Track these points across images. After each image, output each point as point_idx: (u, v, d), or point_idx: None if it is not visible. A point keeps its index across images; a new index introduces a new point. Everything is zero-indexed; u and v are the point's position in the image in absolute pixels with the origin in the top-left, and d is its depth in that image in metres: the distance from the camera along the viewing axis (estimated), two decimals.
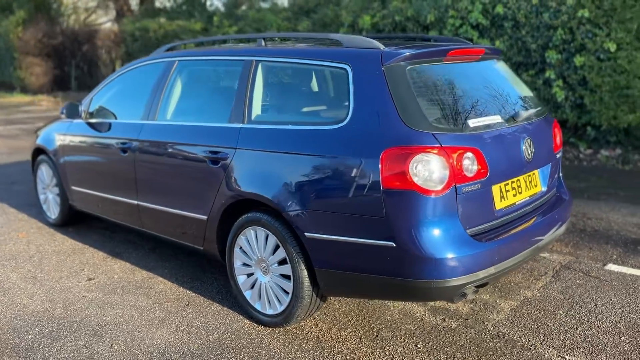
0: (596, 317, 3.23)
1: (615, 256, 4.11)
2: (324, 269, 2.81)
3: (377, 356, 2.87)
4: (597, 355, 2.84)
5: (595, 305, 3.37)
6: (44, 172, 5.04)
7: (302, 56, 3.07)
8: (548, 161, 3.21)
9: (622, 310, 3.29)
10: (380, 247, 2.58)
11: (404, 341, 3.01)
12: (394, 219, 2.52)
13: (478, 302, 3.43)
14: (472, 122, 2.73)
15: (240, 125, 3.18)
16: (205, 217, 3.38)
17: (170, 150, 3.59)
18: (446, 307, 3.40)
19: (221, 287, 3.73)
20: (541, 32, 7.74)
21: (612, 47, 7.11)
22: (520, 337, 3.02)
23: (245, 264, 3.25)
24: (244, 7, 15.50)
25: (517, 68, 8.03)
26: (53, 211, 5.03)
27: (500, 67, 3.34)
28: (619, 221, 4.88)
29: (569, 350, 2.89)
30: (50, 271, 4.06)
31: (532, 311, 3.32)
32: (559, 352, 2.87)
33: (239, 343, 3.02)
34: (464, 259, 2.53)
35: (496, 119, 2.87)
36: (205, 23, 13.37)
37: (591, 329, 3.09)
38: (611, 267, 3.92)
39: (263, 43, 3.37)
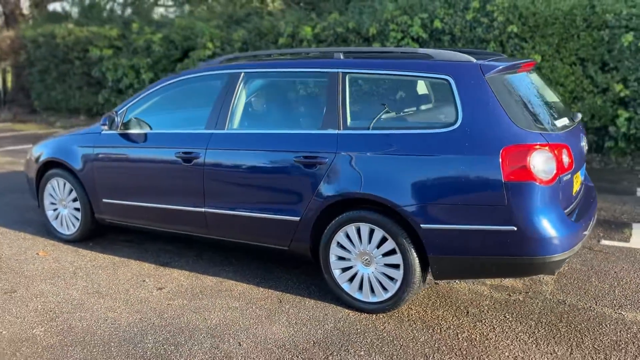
0: (622, 280, 3.97)
1: (601, 234, 4.95)
2: (439, 255, 3.22)
3: (480, 327, 3.34)
4: None
5: (615, 272, 4.12)
6: (56, 187, 4.85)
7: (396, 69, 3.44)
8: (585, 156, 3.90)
9: (637, 275, 4.07)
10: (501, 232, 3.05)
11: (493, 314, 3.51)
12: (515, 207, 3.01)
13: (525, 278, 4.02)
14: (558, 123, 3.31)
15: (337, 131, 3.48)
16: (297, 219, 3.62)
17: (250, 157, 3.77)
18: (501, 284, 3.95)
19: (299, 283, 3.96)
20: (475, 45, 8.71)
21: (537, 58, 8.24)
22: (577, 302, 3.66)
23: (340, 258, 3.55)
24: (153, 13, 15.16)
25: None
26: (69, 227, 4.86)
27: (538, 77, 3.97)
28: None
29: (620, 308, 3.57)
30: (110, 285, 4.01)
31: (571, 281, 3.98)
32: (614, 310, 3.54)
33: (357, 328, 3.32)
34: (568, 237, 3.09)
35: (566, 120, 3.48)
36: (122, 29, 12.94)
37: (625, 290, 3.82)
38: (605, 242, 4.74)
39: (342, 56, 3.69)
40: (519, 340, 3.19)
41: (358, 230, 3.45)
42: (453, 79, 3.23)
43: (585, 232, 3.43)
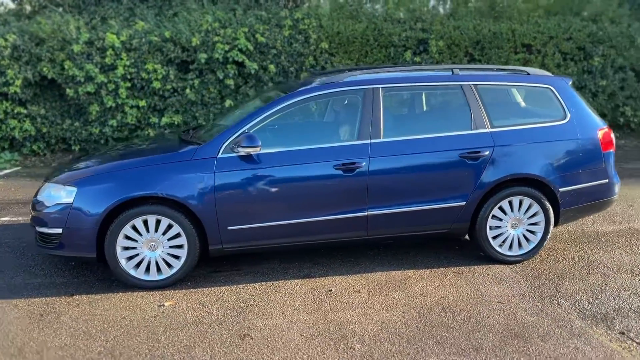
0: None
1: None
2: (567, 208, 4.70)
3: (593, 251, 4.95)
4: None
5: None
6: (142, 227, 4.10)
7: (514, 81, 4.73)
8: None
9: None
10: (600, 184, 4.77)
11: (583, 244, 5.16)
12: (607, 167, 4.77)
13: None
14: None
15: (489, 130, 4.52)
16: (463, 203, 4.49)
17: (417, 159, 4.39)
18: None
19: (442, 259, 4.77)
20: (295, 58, 9.96)
21: None
22: (576, 229, 5.65)
23: (491, 227, 4.62)
24: None
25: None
26: (162, 270, 4.18)
27: None
28: None
29: (593, 226, 5.73)
30: (315, 304, 3.97)
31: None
32: (595, 228, 5.68)
33: (533, 272, 4.51)
34: (619, 184, 5.02)
35: None
36: None
37: (584, 219, 6.00)
38: None
39: (460, 72, 4.68)
40: (616, 253, 4.94)
41: (510, 203, 4.60)
42: (555, 88, 4.73)
43: None
